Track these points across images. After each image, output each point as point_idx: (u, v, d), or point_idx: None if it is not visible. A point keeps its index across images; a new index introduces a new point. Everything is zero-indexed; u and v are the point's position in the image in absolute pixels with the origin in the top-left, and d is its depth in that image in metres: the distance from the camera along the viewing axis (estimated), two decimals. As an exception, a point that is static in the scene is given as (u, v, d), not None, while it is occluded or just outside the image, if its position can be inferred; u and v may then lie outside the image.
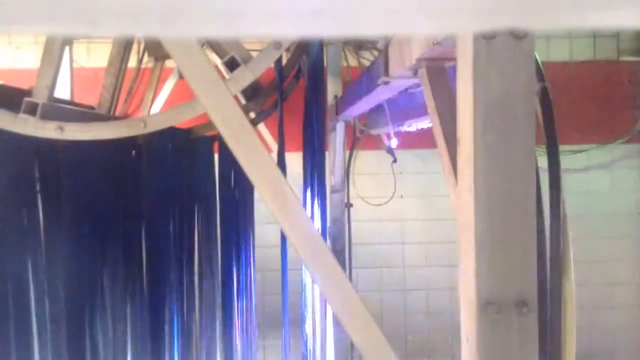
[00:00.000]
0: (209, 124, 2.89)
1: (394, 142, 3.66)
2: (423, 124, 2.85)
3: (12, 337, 1.91)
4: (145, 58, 4.21)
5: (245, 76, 1.84)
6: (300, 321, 3.56)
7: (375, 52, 4.35)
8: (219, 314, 2.99)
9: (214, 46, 2.44)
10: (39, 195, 2.01)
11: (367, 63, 4.52)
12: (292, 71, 2.98)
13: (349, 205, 4.07)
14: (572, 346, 1.00)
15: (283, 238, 2.82)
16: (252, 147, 1.21)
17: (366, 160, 4.91)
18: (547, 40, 4.96)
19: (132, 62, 3.81)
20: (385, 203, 4.91)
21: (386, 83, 1.82)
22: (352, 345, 1.53)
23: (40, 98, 1.89)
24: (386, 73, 1.76)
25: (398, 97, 2.53)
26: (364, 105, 2.83)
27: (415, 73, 1.44)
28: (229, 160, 2.85)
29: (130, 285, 2.37)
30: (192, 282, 2.87)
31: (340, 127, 3.86)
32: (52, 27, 0.35)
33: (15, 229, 1.95)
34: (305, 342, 3.50)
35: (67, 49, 3.44)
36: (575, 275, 1.02)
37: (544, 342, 0.94)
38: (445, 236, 4.89)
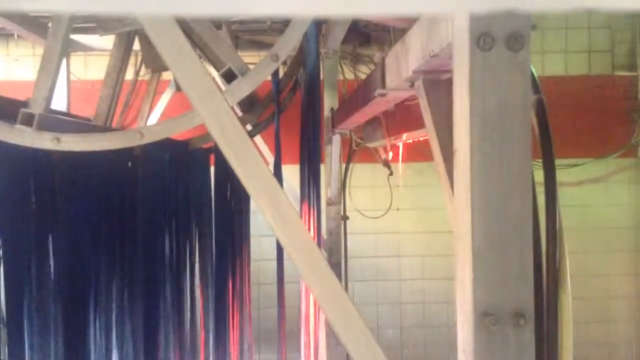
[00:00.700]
0: (206, 136, 2.89)
1: (389, 155, 3.67)
2: (419, 136, 2.86)
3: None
4: (142, 70, 4.22)
5: (242, 88, 1.85)
6: (296, 334, 3.54)
7: (372, 66, 4.37)
8: (213, 327, 2.97)
9: (211, 58, 2.45)
10: (34, 206, 2.01)
11: (363, 76, 4.54)
12: (289, 84, 2.99)
13: (345, 218, 4.07)
14: (569, 359, 1.00)
15: (279, 251, 2.81)
16: (249, 158, 1.21)
17: (362, 173, 4.91)
18: (542, 54, 4.99)
19: (129, 75, 3.82)
20: (381, 216, 4.91)
21: (383, 95, 1.82)
22: (348, 357, 1.52)
23: (37, 109, 1.89)
24: (383, 85, 1.77)
25: (394, 109, 2.54)
26: (360, 117, 2.84)
27: (411, 85, 1.45)
28: (225, 172, 2.85)
29: (124, 296, 2.35)
30: (186, 294, 2.85)
31: (336, 140, 3.87)
32: (57, 4, 0.34)
33: (11, 239, 1.94)
34: (301, 356, 3.48)
35: (64, 61, 3.45)
36: (571, 288, 1.02)
37: (540, 354, 0.94)
38: (442, 249, 4.89)
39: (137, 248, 2.40)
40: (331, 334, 3.48)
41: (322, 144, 3.70)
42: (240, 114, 3.00)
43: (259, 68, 1.86)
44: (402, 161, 4.13)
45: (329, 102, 3.94)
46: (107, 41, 3.17)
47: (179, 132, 1.94)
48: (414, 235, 5.02)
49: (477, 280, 0.86)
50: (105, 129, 2.60)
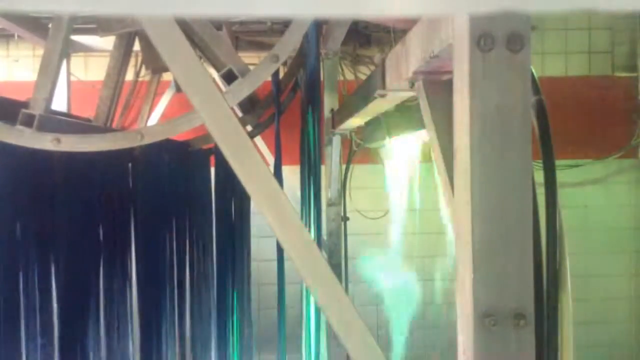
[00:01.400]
0: (206, 137, 2.89)
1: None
2: (419, 137, 2.86)
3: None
4: (143, 71, 4.23)
5: (243, 89, 1.85)
6: (296, 335, 3.54)
7: (372, 67, 4.37)
8: (214, 328, 2.97)
9: (212, 59, 2.45)
10: (32, 207, 2.01)
11: (363, 77, 4.54)
12: (289, 85, 2.99)
13: (345, 219, 4.07)
14: (570, 359, 0.99)
15: (279, 252, 2.81)
16: (250, 159, 1.21)
17: (362, 174, 4.91)
18: (543, 55, 4.99)
19: (130, 75, 3.82)
20: (381, 217, 4.91)
21: (383, 96, 1.83)
22: (348, 358, 1.52)
23: (37, 110, 1.89)
24: (383, 86, 1.77)
25: (394, 110, 2.54)
26: (360, 118, 2.84)
27: (412, 86, 1.45)
28: (225, 173, 2.85)
29: (123, 296, 2.35)
30: (186, 295, 2.85)
31: (336, 141, 3.87)
32: (57, 4, 0.34)
33: (9, 240, 1.94)
34: (301, 357, 3.48)
35: (64, 61, 3.45)
36: (571, 289, 1.02)
37: (541, 355, 0.94)
38: (442, 250, 4.88)
39: (137, 249, 2.40)
40: (332, 335, 3.48)
41: (322, 145, 3.69)
42: (240, 114, 3.00)
43: (259, 69, 1.86)
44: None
45: (329, 102, 3.94)
46: (107, 42, 3.17)
47: (179, 132, 1.94)
48: (414, 236, 5.02)
49: (478, 281, 0.86)
50: (105, 129, 2.60)
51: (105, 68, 2.86)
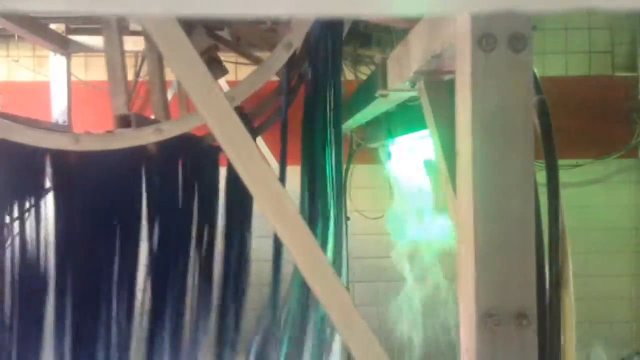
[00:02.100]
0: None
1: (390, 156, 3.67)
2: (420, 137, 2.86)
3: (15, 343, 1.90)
4: (143, 71, 4.22)
5: (259, 77, 1.83)
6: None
7: (373, 67, 4.37)
8: (214, 321, 2.96)
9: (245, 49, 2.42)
10: (47, 205, 2.01)
11: (364, 77, 4.54)
12: (294, 80, 2.96)
13: (346, 219, 4.06)
14: (572, 359, 1.00)
15: (277, 252, 2.80)
16: (252, 158, 1.21)
17: (363, 174, 4.91)
18: (543, 55, 4.99)
19: (129, 76, 3.82)
20: (382, 216, 4.91)
21: (384, 95, 1.82)
22: (349, 358, 1.52)
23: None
24: (384, 85, 1.77)
25: (396, 109, 2.54)
26: (361, 118, 2.84)
27: (413, 85, 1.45)
28: (235, 172, 2.82)
29: (133, 294, 2.35)
30: (195, 292, 2.84)
31: (337, 141, 3.86)
32: (57, 4, 0.34)
33: (22, 239, 1.95)
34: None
35: (65, 62, 3.46)
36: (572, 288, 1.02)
37: (543, 355, 0.94)
38: (443, 250, 4.88)
39: (150, 244, 2.38)
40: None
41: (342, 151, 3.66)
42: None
43: (273, 57, 1.83)
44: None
45: (330, 102, 3.93)
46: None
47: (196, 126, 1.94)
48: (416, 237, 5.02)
49: (480, 281, 0.86)
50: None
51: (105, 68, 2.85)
